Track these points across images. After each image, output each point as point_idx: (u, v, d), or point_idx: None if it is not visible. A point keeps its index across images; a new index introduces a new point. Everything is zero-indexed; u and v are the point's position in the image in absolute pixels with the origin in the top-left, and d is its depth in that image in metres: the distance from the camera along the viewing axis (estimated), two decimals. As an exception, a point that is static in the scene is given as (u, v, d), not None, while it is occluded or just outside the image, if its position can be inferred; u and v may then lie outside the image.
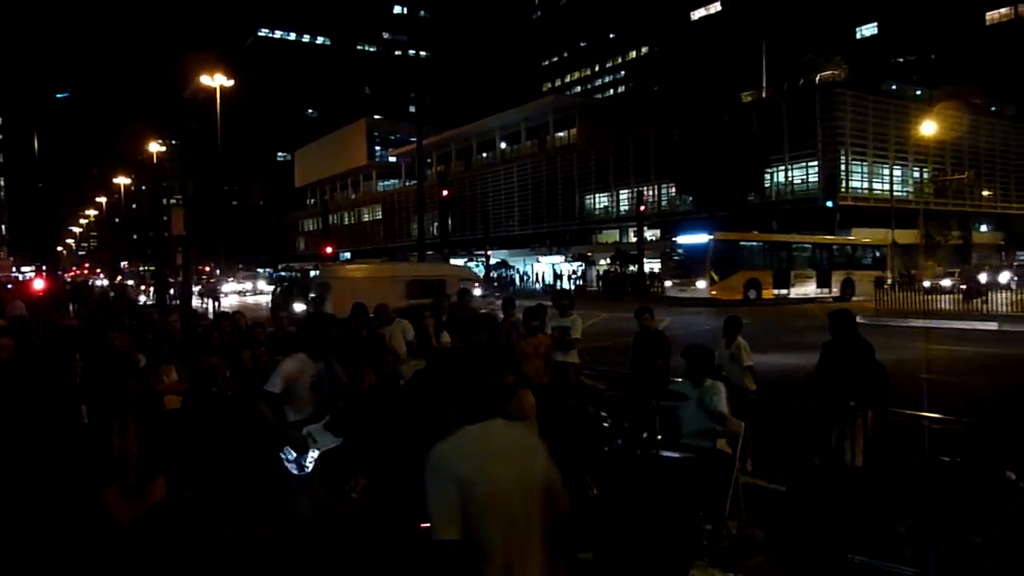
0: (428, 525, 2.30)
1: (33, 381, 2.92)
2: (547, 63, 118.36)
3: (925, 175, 50.97)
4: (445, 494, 2.29)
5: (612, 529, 5.27)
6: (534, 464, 2.49)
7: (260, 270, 71.89)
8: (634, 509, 5.34)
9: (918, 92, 58.49)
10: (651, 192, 55.99)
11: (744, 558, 5.04)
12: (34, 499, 2.69)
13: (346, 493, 6.69)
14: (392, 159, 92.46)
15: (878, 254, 40.54)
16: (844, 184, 45.88)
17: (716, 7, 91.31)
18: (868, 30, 77.74)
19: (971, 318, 22.81)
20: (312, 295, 17.95)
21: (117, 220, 74.84)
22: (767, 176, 47.57)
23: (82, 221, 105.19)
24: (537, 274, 59.05)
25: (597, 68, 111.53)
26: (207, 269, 62.42)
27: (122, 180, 62.27)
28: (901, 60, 72.35)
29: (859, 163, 48.11)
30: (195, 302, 29.09)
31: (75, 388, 3.51)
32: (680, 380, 5.97)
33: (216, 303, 33.97)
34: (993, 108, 57.92)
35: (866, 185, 48.52)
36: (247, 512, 6.22)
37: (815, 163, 46.88)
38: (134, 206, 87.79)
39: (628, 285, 44.90)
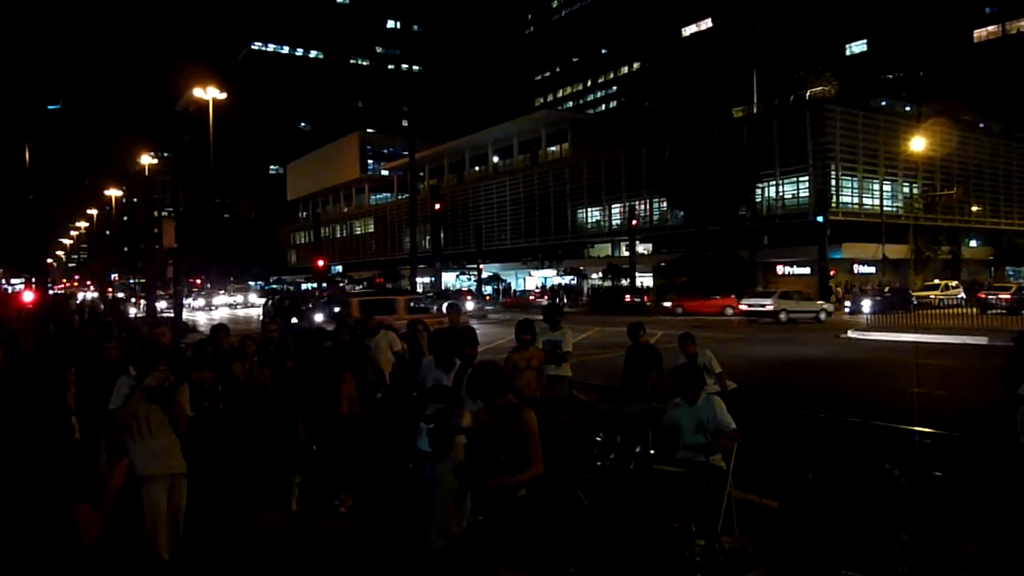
0: None
1: (24, 394, 2.87)
2: (539, 78, 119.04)
3: (915, 190, 51.35)
4: None
5: (600, 543, 5.24)
6: None
7: (252, 283, 71.72)
8: (624, 523, 5.32)
9: (907, 108, 59.02)
10: (643, 206, 56.21)
11: (737, 573, 5.02)
12: (16, 514, 2.64)
13: (335, 508, 6.66)
14: (385, 172, 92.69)
15: None
16: (835, 199, 46.11)
17: (707, 24, 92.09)
18: (858, 47, 78.58)
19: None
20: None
21: (108, 232, 74.50)
22: (758, 191, 47.83)
23: (72, 233, 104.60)
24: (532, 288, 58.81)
25: (589, 83, 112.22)
26: (198, 282, 62.21)
27: (113, 192, 61.92)
28: (890, 76, 73.03)
29: (849, 178, 48.42)
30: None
31: (66, 403, 3.47)
32: (677, 401, 5.96)
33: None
34: (981, 124, 58.49)
35: (856, 200, 48.83)
36: (238, 525, 6.17)
37: (806, 178, 47.14)
38: (125, 218, 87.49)
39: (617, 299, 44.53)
